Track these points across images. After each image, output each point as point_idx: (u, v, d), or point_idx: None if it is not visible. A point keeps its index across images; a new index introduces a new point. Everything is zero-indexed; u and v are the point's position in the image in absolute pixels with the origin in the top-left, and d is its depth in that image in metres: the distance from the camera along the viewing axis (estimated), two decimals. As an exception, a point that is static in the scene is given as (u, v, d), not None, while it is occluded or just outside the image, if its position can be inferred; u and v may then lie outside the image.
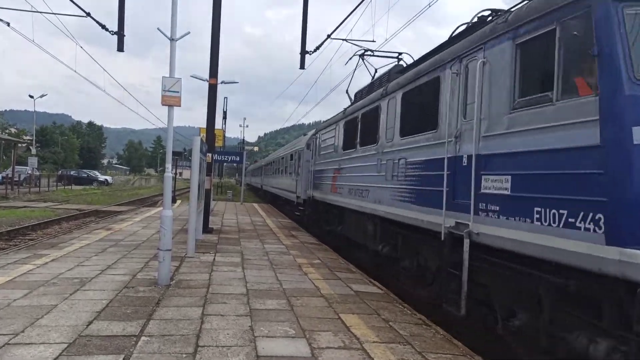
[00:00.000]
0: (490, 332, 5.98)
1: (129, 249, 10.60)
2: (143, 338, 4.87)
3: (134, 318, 5.52)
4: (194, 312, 5.89)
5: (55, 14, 16.60)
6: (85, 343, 4.66)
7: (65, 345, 4.58)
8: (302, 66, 17.62)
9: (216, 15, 14.40)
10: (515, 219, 4.95)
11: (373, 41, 17.38)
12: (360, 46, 17.71)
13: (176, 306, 6.14)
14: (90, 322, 5.29)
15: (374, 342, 5.16)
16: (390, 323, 5.95)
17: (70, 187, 46.63)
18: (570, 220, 4.21)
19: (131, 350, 4.53)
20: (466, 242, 5.74)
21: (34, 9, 16.80)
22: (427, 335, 5.63)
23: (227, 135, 54.54)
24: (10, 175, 37.36)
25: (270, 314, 5.99)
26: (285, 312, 6.14)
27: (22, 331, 4.91)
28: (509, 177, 5.08)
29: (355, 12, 16.65)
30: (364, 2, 16.44)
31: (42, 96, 57.60)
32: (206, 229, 14.13)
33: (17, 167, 41.76)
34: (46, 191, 38.99)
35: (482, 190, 5.54)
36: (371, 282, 8.64)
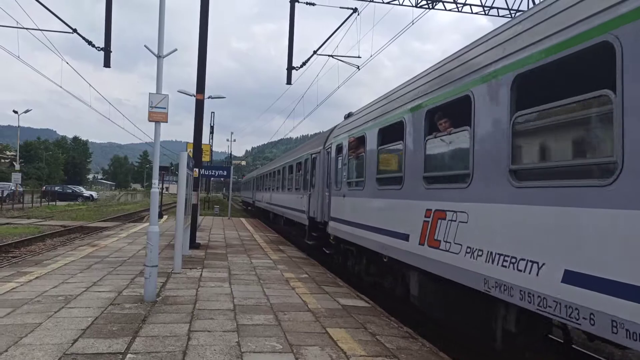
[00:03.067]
0: (475, 343, 6.05)
1: (114, 266, 10.51)
2: (129, 355, 4.84)
3: (120, 335, 5.49)
4: (181, 329, 5.87)
5: (41, 30, 16.60)
6: (70, 361, 4.61)
7: (50, 364, 4.53)
8: (288, 82, 17.82)
9: (203, 31, 14.53)
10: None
11: (359, 57, 17.67)
12: (346, 62, 17.99)
13: (163, 323, 6.11)
14: (75, 340, 5.24)
15: (360, 355, 5.19)
16: (377, 336, 5.99)
17: (54, 203, 46.03)
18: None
19: (117, 367, 4.50)
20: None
21: (19, 25, 16.78)
22: (413, 348, 5.67)
23: (214, 149, 54.50)
24: (-8, 192, 36.71)
25: (257, 329, 5.99)
26: (272, 327, 6.15)
27: (6, 350, 4.85)
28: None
29: (341, 28, 16.93)
30: (349, 18, 16.73)
31: (26, 111, 56.85)
32: (193, 245, 14.06)
33: (0, 183, 41.12)
34: (30, 207, 38.42)
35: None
36: (358, 295, 8.68)
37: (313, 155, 14.47)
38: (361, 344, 5.60)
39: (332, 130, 13.39)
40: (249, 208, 47.60)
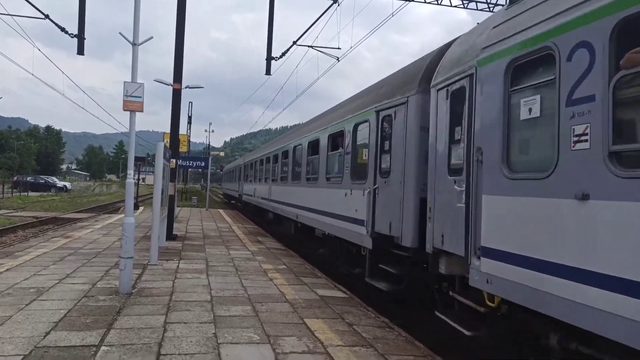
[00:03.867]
0: (449, 333, 6.14)
1: (88, 257, 10.32)
2: (103, 348, 4.77)
3: (94, 328, 5.40)
4: (157, 321, 5.80)
5: (11, 15, 16.05)
6: (42, 355, 4.52)
7: (21, 357, 4.44)
8: (267, 72, 17.68)
9: (180, 19, 14.26)
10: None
11: (339, 48, 17.63)
12: (326, 53, 17.93)
13: (138, 315, 6.03)
14: (47, 333, 5.14)
15: (337, 345, 5.23)
16: (354, 326, 6.04)
17: (26, 193, 44.84)
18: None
19: (90, 360, 4.43)
20: None
21: (-12, 10, 16.17)
22: (390, 337, 5.74)
23: (192, 140, 53.81)
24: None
25: (234, 321, 5.97)
26: (249, 318, 6.14)
27: (-26, 344, 4.72)
28: None
29: (321, 19, 16.84)
30: (329, 9, 16.65)
31: (-4, 99, 55.19)
32: (170, 236, 13.89)
33: (-31, 173, 39.85)
34: (0, 198, 37.36)
35: None
36: (336, 286, 8.73)
37: (383, 114, 7.90)
38: (338, 334, 5.63)
39: (448, 47, 6.66)
40: (233, 202, 41.62)
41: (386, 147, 7.80)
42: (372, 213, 7.95)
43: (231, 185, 41.27)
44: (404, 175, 7.08)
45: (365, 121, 8.64)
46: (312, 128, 13.08)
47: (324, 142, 11.41)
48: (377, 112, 8.10)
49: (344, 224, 9.27)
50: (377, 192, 7.90)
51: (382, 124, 7.97)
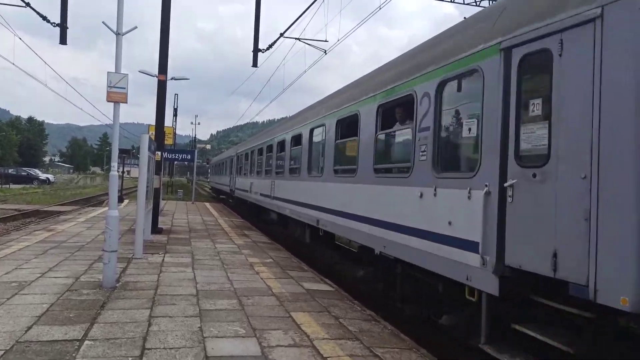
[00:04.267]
0: (433, 326, 6.20)
1: (72, 251, 10.18)
2: (86, 342, 4.71)
3: (77, 322, 5.33)
4: (141, 315, 5.75)
5: (-10, 2, 15.65)
6: (24, 349, 4.45)
7: (2, 352, 4.36)
8: (254, 64, 17.54)
9: (166, 8, 14.05)
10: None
11: (326, 41, 17.56)
12: (314, 45, 17.85)
13: (122, 309, 5.97)
14: (29, 328, 5.06)
15: (323, 338, 5.24)
16: (340, 320, 6.06)
17: (8, 186, 44.08)
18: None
19: (73, 355, 4.37)
20: None
21: (-34, -3, 15.77)
22: (375, 330, 5.77)
23: (178, 132, 53.34)
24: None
25: (220, 314, 5.94)
26: (235, 312, 6.11)
27: (-47, 339, 4.63)
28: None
29: (308, 11, 16.74)
30: (316, 1, 16.55)
31: (-24, 89, 54.01)
32: (155, 229, 13.76)
33: (-52, 165, 39.04)
34: (-19, 190, 36.64)
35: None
36: (322, 280, 8.74)
37: (524, 51, 4.52)
38: (324, 327, 5.64)
39: None
40: (222, 197, 37.36)
41: (535, 111, 4.32)
42: (498, 231, 4.52)
43: (221, 179, 36.35)
44: (597, 162, 3.61)
45: (471, 72, 5.14)
46: (343, 101, 9.14)
47: (367, 118, 7.68)
48: (506, 51, 4.58)
49: (420, 242, 5.84)
50: (511, 193, 4.41)
51: (520, 70, 4.49)
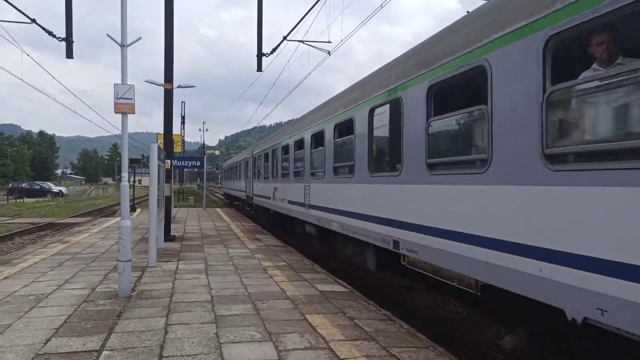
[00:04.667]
0: (450, 324, 6.16)
1: (87, 262, 10.28)
2: (105, 352, 4.75)
3: (95, 332, 5.38)
4: (157, 323, 5.79)
5: (-3, 20, 15.87)
6: (43, 362, 4.50)
7: (22, 365, 4.41)
8: (259, 69, 17.58)
9: (168, 18, 14.15)
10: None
11: (329, 42, 17.55)
12: (317, 47, 17.85)
13: (138, 318, 6.01)
14: (48, 340, 5.11)
15: (339, 340, 5.23)
16: (356, 320, 6.04)
17: (22, 200, 44.68)
18: None
19: (92, 365, 4.41)
20: None
21: (-26, 16, 15.99)
22: (391, 330, 5.75)
23: (186, 140, 53.61)
24: (-45, 191, 35.38)
25: (235, 320, 5.95)
26: (251, 316, 6.13)
27: (-26, 354, 4.70)
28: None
29: (310, 13, 16.74)
30: (318, 2, 16.56)
31: (-13, 106, 54.84)
32: (168, 237, 13.86)
33: (-37, 182, 39.69)
34: (-4, 205, 37.16)
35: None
36: (336, 281, 8.73)
37: None
38: (340, 329, 5.63)
39: None
40: (237, 203, 33.76)
41: None
42: None
43: (234, 185, 32.97)
44: None
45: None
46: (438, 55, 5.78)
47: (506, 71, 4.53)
48: None
49: None
50: None
51: None
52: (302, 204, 12.11)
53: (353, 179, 8.46)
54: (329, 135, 10.10)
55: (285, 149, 14.77)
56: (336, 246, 10.49)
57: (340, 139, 9.46)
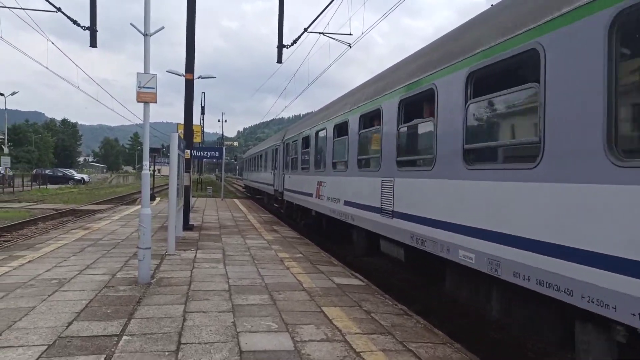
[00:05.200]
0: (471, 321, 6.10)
1: (107, 248, 10.46)
2: (124, 337, 4.83)
3: (115, 317, 5.48)
4: (176, 310, 5.86)
5: (24, 9, 16.16)
6: (66, 344, 4.60)
7: (45, 347, 4.52)
8: (279, 60, 17.57)
9: (191, 9, 14.21)
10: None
11: (350, 34, 17.44)
12: (338, 39, 17.75)
13: (157, 304, 6.10)
14: (70, 323, 5.22)
15: (356, 333, 5.23)
16: (372, 314, 6.03)
17: (45, 186, 45.65)
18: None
19: (113, 349, 4.50)
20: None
21: (0, 4, 16.32)
22: (408, 325, 5.72)
23: (205, 130, 54.05)
24: (-18, 176, 36.35)
25: (252, 309, 6.00)
26: (267, 306, 6.16)
27: (0, 334, 4.82)
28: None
29: (332, 5, 16.63)
30: (340, -5, 16.43)
31: (13, 94, 56.02)
32: (186, 226, 14.02)
33: (-11, 167, 40.74)
34: (20, 191, 38.08)
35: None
36: (353, 274, 8.72)
37: None
38: (356, 322, 5.63)
39: None
40: (259, 197, 30.77)
41: None
42: None
43: (258, 177, 29.22)
44: None
45: None
46: None
47: None
48: None
49: None
50: None
51: None
52: (379, 210, 8.13)
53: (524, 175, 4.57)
54: (449, 93, 5.93)
55: (341, 128, 10.84)
56: (452, 284, 6.35)
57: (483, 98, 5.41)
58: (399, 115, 7.51)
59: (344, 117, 10.56)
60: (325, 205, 11.79)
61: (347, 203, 10.07)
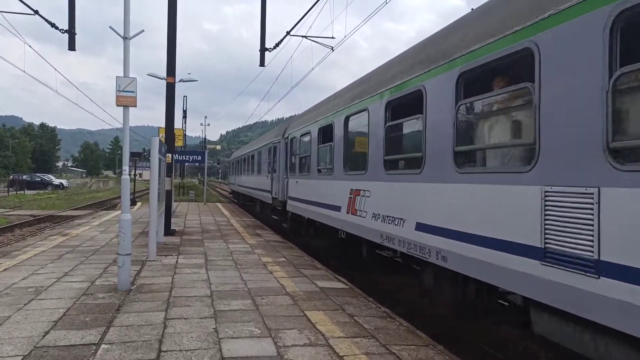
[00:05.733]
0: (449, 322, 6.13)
1: (86, 255, 10.27)
2: (103, 346, 4.73)
3: (93, 326, 5.36)
4: (157, 317, 5.77)
5: (0, 11, 15.81)
6: (42, 355, 4.48)
7: (20, 357, 4.39)
8: (262, 63, 17.52)
9: (172, 12, 14.09)
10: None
11: (332, 37, 17.49)
12: (321, 42, 17.78)
13: (137, 312, 5.99)
14: (46, 333, 5.10)
15: (339, 337, 5.21)
16: (355, 317, 6.02)
17: (22, 192, 44.70)
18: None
19: (90, 359, 4.39)
20: None
21: (-24, 6, 15.95)
22: (391, 327, 5.72)
23: (188, 134, 53.58)
24: (-44, 182, 35.43)
25: (235, 315, 5.94)
26: (250, 312, 6.11)
27: (-27, 346, 4.68)
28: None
29: (314, 8, 16.66)
30: (322, -2, 16.46)
31: (-11, 97, 54.80)
32: (168, 231, 13.85)
33: (-36, 173, 39.75)
34: (-3, 197, 37.19)
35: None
36: (336, 277, 8.71)
37: None
38: (339, 326, 5.61)
39: None
40: (249, 204, 26.75)
41: None
42: None
43: (249, 181, 25.16)
44: None
45: None
46: None
47: None
48: None
49: None
50: None
51: None
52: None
53: None
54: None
55: (401, 106, 7.12)
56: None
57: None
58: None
59: (385, 96, 7.33)
60: (367, 225, 7.98)
61: (423, 228, 6.11)
